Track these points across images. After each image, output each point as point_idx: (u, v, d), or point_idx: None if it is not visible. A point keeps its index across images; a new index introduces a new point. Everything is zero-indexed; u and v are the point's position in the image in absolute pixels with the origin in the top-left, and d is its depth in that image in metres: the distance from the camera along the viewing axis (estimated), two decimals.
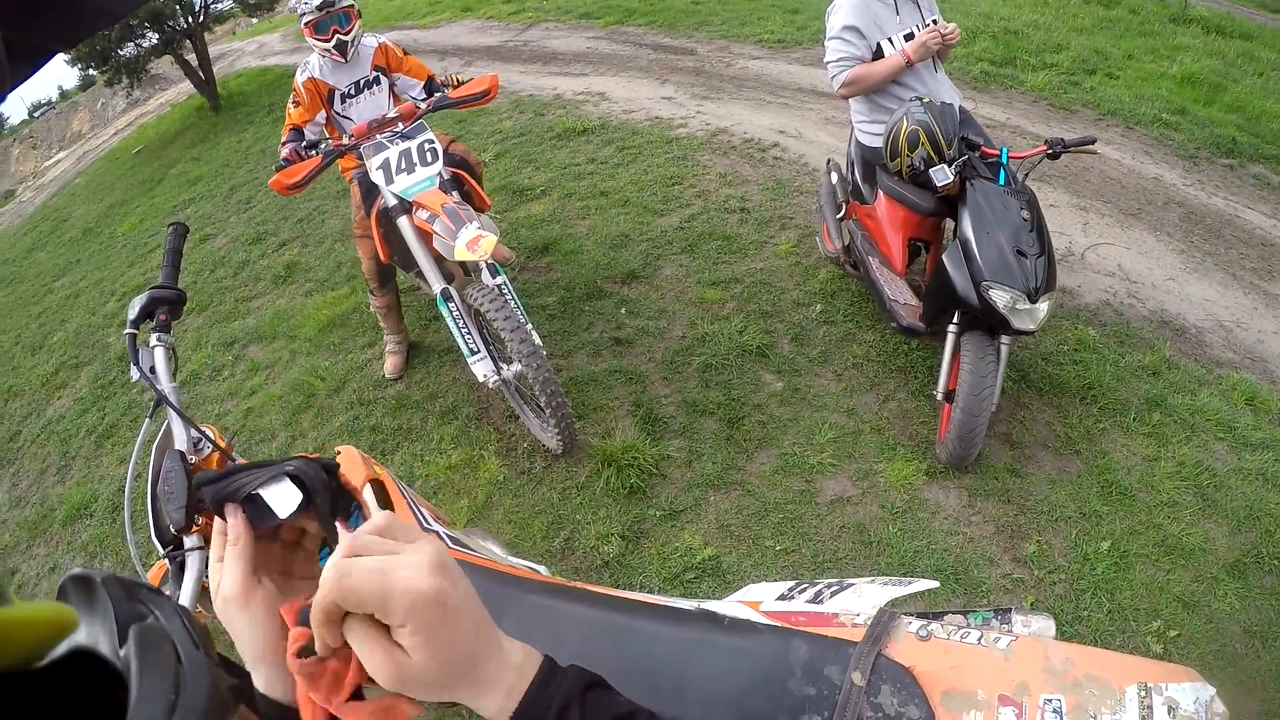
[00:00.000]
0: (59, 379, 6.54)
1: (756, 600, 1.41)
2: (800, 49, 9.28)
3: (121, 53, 15.67)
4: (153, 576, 1.70)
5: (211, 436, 1.61)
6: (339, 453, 1.76)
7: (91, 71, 18.22)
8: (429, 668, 0.63)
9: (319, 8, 4.18)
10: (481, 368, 3.57)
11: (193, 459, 1.55)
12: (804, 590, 1.39)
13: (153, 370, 1.74)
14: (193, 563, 1.43)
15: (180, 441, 1.58)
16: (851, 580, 1.36)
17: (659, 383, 4.14)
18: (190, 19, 15.51)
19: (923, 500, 3.34)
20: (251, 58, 18.82)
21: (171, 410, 1.61)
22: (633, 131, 7.30)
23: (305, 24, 4.25)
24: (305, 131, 4.31)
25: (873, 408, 3.81)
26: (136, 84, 17.27)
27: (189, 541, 1.44)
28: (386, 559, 0.64)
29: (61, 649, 0.45)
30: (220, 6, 17.51)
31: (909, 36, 3.65)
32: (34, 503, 5.15)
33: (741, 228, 5.35)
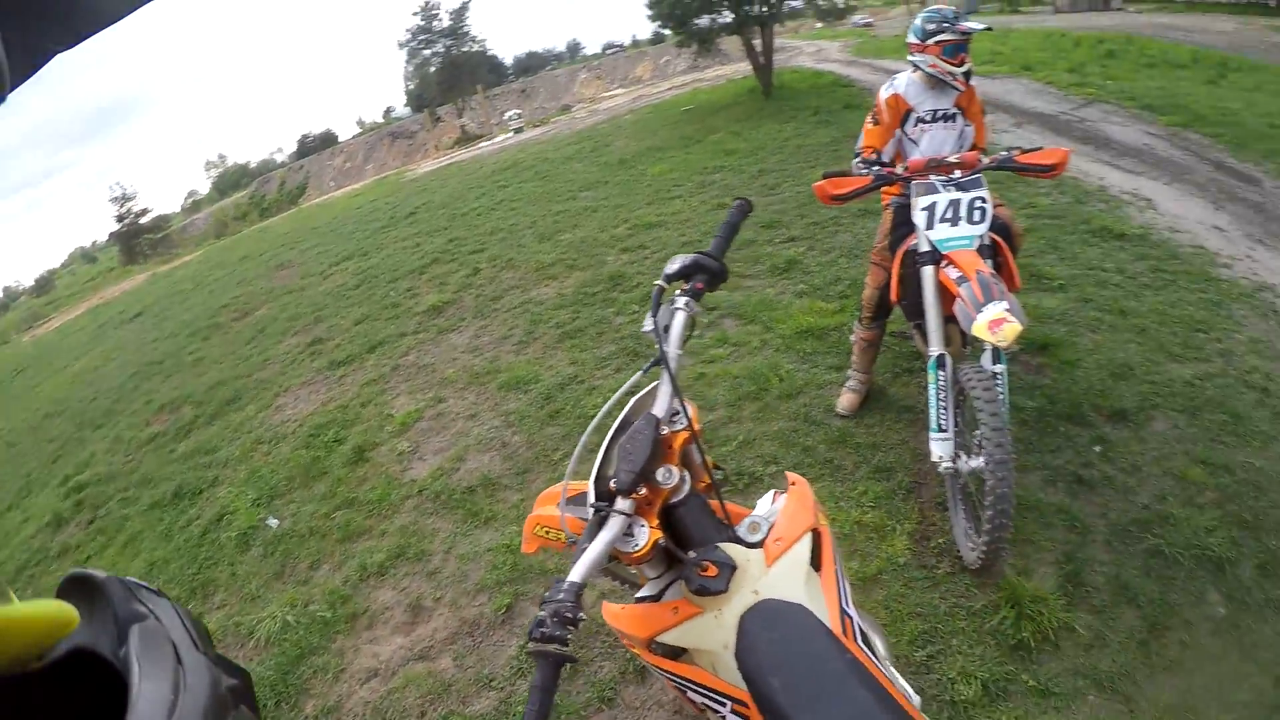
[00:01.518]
0: (553, 270, 7.19)
1: None
2: None
3: (698, 22, 16.95)
4: (570, 489, 1.69)
5: (690, 415, 1.57)
6: (793, 483, 1.66)
7: (666, 30, 19.70)
8: None
9: (962, 32, 3.98)
10: (941, 448, 3.33)
11: (664, 430, 1.51)
12: None
13: (666, 330, 1.68)
14: (613, 525, 1.38)
15: (660, 407, 1.54)
16: None
17: (1100, 545, 3.63)
18: (765, 7, 16.28)
19: None
20: (809, 58, 19.49)
21: (667, 375, 1.57)
22: (1172, 254, 6.47)
23: (934, 41, 4.02)
24: (881, 154, 4.19)
25: None
26: (704, 52, 18.57)
27: (621, 504, 1.39)
28: None
29: (62, 649, 0.46)
30: (795, 4, 18.35)
31: None
32: (487, 357, 5.73)
33: (1257, 410, 4.51)
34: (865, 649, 1.49)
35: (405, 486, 4.64)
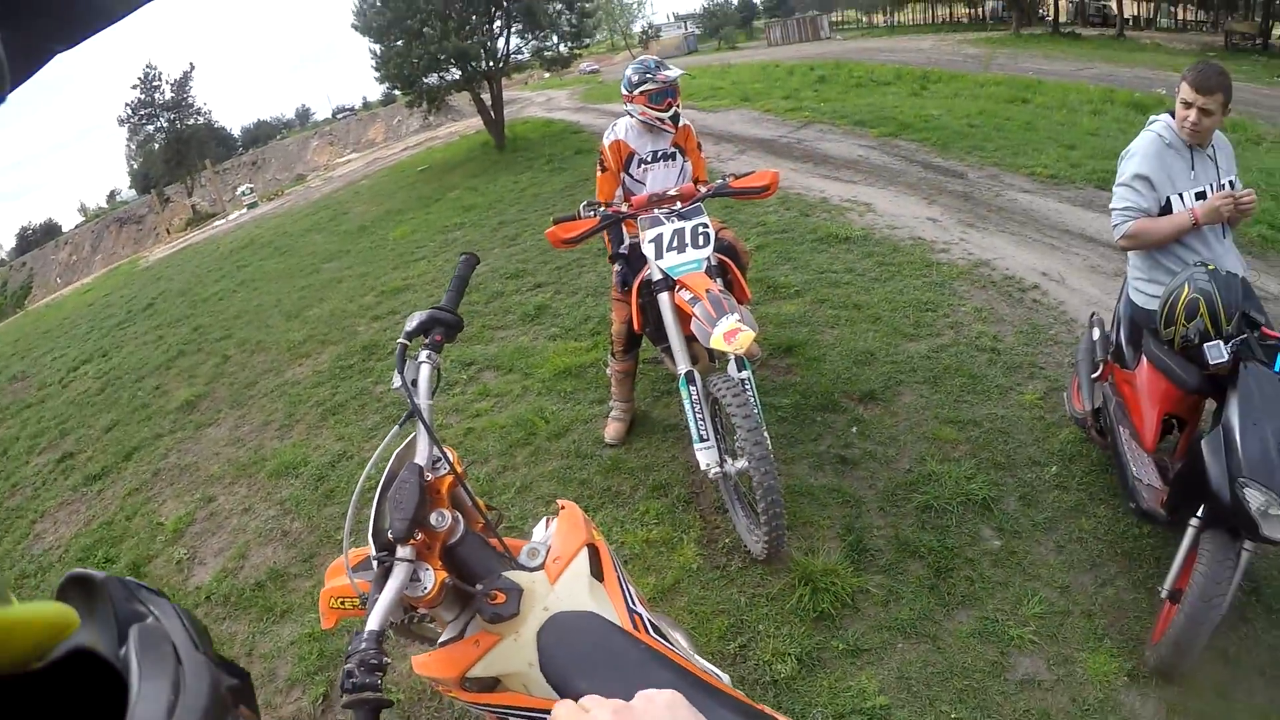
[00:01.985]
0: (305, 349, 7.10)
1: None
2: (1073, 187, 8.90)
3: (426, 81, 17.25)
4: (353, 558, 1.76)
5: (451, 460, 1.65)
6: (562, 506, 1.81)
7: (396, 91, 19.85)
8: None
9: (664, 81, 4.35)
10: (706, 456, 3.57)
11: (429, 476, 1.59)
12: None
13: (414, 384, 1.77)
14: (399, 573, 1.44)
15: (421, 456, 1.61)
16: None
17: (875, 512, 4.02)
18: (492, 63, 16.81)
19: (1118, 703, 3.04)
20: (539, 108, 20.04)
21: (422, 425, 1.65)
22: (894, 248, 7.22)
23: (640, 92, 4.39)
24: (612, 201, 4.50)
25: (1088, 590, 3.53)
26: (433, 110, 18.92)
27: (402, 552, 1.46)
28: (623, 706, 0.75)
29: (61, 649, 0.45)
30: (520, 57, 18.94)
31: (1201, 195, 3.43)
32: (250, 447, 5.58)
33: (989, 369, 5.15)
34: (663, 640, 1.65)
35: (190, 595, 4.41)
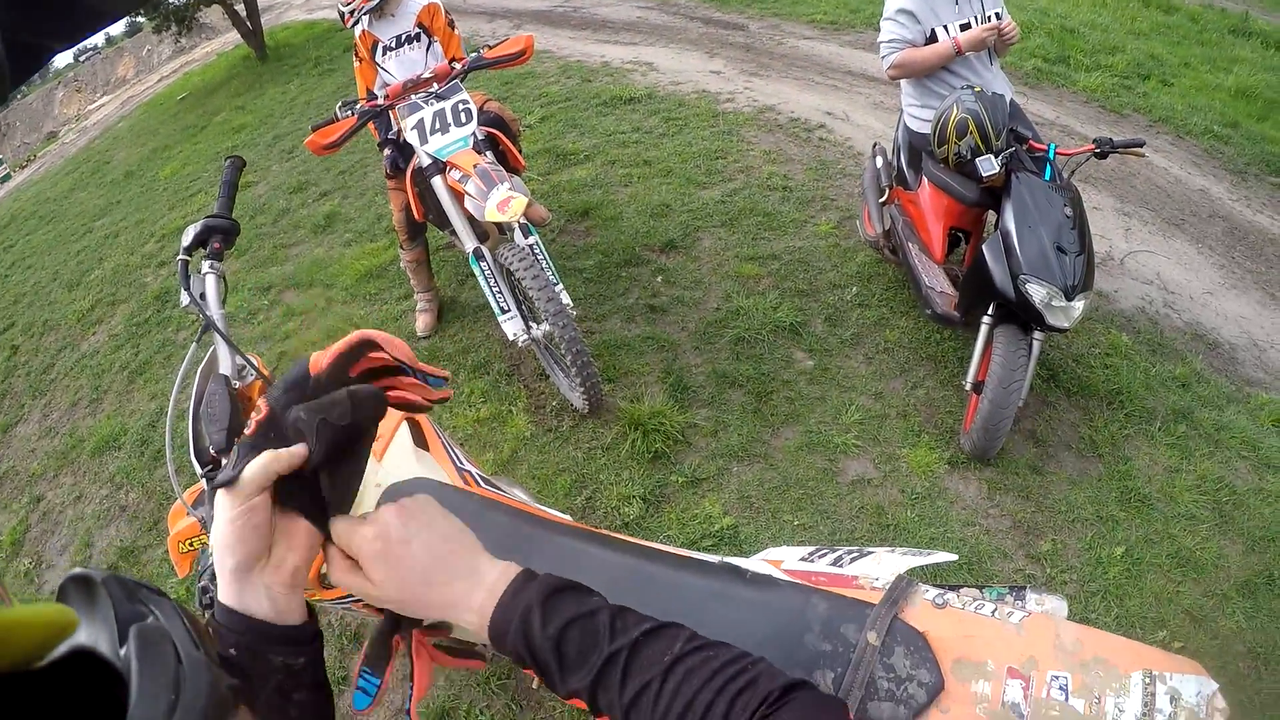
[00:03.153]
0: (95, 315, 6.62)
1: (778, 559, 1.44)
2: (853, 31, 9.21)
3: (172, 1, 15.70)
4: (189, 495, 1.73)
5: (255, 364, 1.65)
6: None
7: (139, 18, 18.15)
8: (383, 587, 0.82)
9: None
10: (511, 326, 3.62)
11: (236, 384, 1.59)
12: (825, 555, 1.42)
13: (203, 297, 1.77)
14: None
15: (225, 367, 1.61)
16: (872, 549, 1.38)
17: (690, 352, 4.17)
18: None
19: (943, 489, 3.36)
20: (299, 10, 18.79)
21: (218, 336, 1.64)
22: (679, 103, 7.30)
23: None
24: (375, 91, 4.42)
25: (900, 393, 3.84)
26: (184, 32, 17.32)
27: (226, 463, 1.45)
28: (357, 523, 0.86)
29: (61, 649, 0.45)
30: None
31: (965, 27, 3.64)
32: (64, 434, 5.23)
33: (783, 206, 5.36)
34: (499, 491, 1.70)
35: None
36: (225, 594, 0.80)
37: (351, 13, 4.36)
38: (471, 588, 0.82)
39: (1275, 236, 5.22)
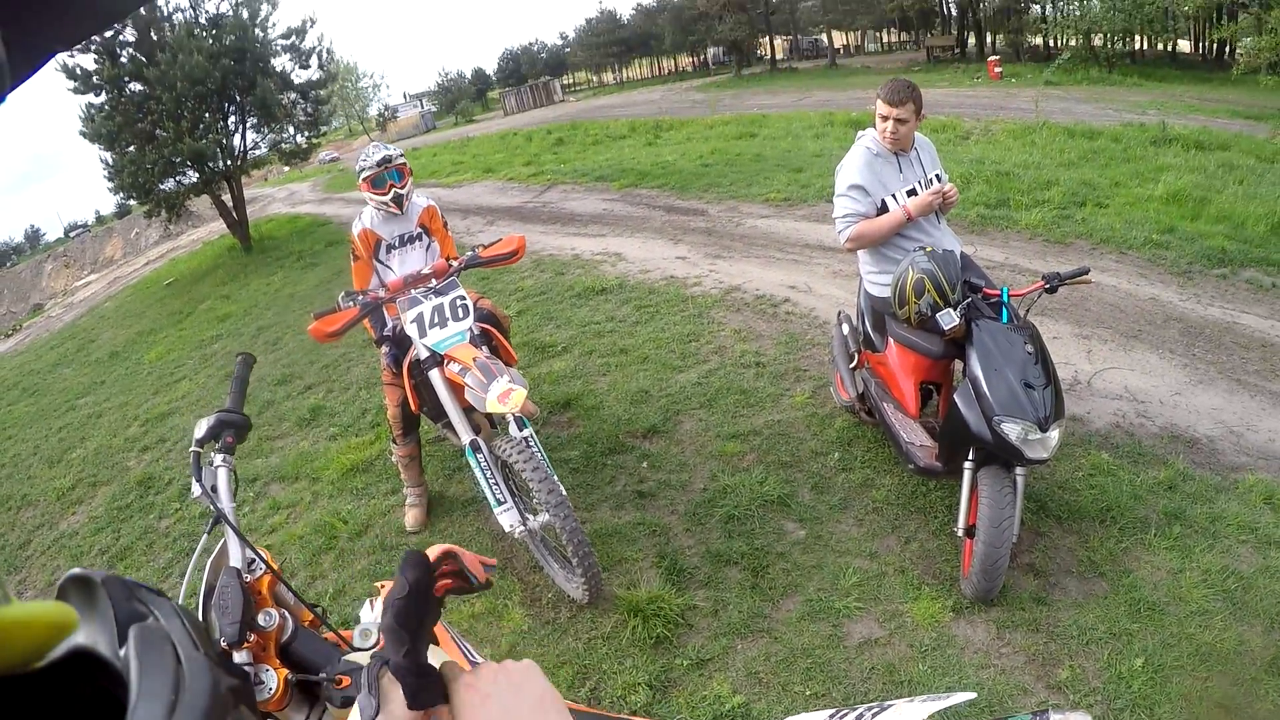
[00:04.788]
0: (75, 495, 6.54)
1: None
2: (805, 206, 9.66)
3: (162, 187, 16.34)
4: None
5: (265, 558, 1.63)
6: (381, 586, 1.78)
7: (131, 202, 18.63)
8: None
9: (378, 164, 4.42)
10: (508, 518, 3.62)
11: (247, 578, 1.56)
12: (845, 716, 1.40)
13: (214, 489, 1.76)
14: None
15: (236, 559, 1.59)
16: (891, 701, 1.36)
17: (682, 534, 4.18)
18: (230, 162, 16.21)
19: (951, 637, 3.32)
20: (283, 204, 19.39)
21: (230, 529, 1.62)
22: (649, 290, 7.58)
23: (363, 179, 4.48)
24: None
25: (895, 549, 3.84)
26: (174, 218, 17.90)
27: (238, 657, 1.42)
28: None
29: (61, 649, 0.45)
30: (258, 152, 18.28)
31: (912, 192, 3.88)
32: None
33: (758, 381, 5.50)
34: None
35: None
36: None
37: (369, 181, 4.46)
38: None
39: (1229, 325, 5.41)
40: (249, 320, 10.38)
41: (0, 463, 8.13)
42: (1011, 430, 3.11)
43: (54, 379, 11.11)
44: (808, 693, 3.18)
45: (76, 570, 0.55)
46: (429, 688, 0.90)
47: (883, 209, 3.87)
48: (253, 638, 1.45)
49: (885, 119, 3.79)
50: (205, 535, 1.69)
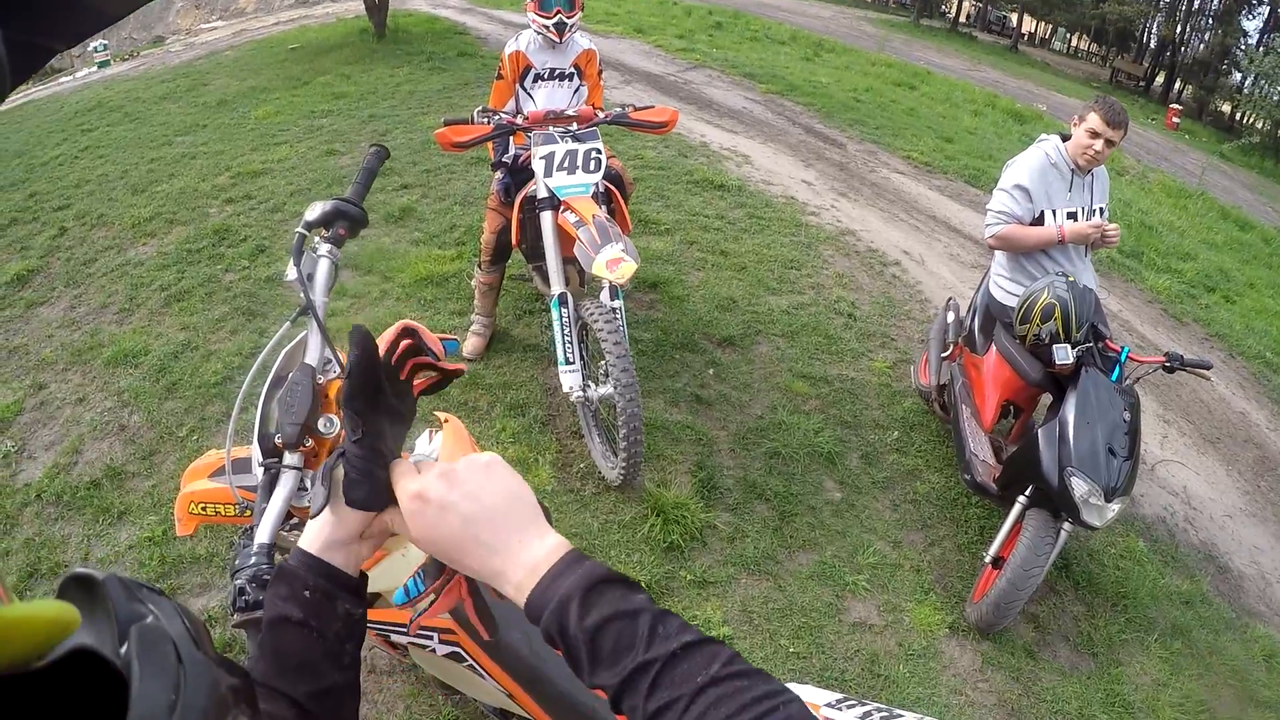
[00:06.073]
0: (150, 227, 6.55)
1: (814, 702, 1.43)
2: (944, 177, 9.33)
3: None
4: (206, 464, 1.74)
5: (342, 361, 1.51)
6: (445, 420, 1.79)
7: None
8: (420, 544, 0.84)
9: None
10: (571, 379, 3.61)
11: (320, 379, 1.49)
12: (852, 706, 1.41)
13: (310, 278, 1.64)
14: (286, 481, 1.38)
15: (313, 357, 1.51)
16: (900, 712, 1.37)
17: (726, 453, 4.20)
18: None
19: (938, 651, 3.36)
20: (425, 3, 18.96)
21: (315, 324, 1.54)
22: (766, 203, 7.43)
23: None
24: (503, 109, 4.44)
25: (919, 547, 3.85)
26: None
27: (290, 458, 1.39)
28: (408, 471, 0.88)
29: (61, 649, 0.44)
30: None
31: (1072, 216, 3.77)
32: (86, 331, 5.14)
33: (845, 332, 5.42)
34: None
35: (20, 493, 4.04)
36: (312, 544, 0.89)
37: (538, 1, 4.36)
38: (511, 565, 0.80)
39: None
40: (363, 105, 10.20)
41: (87, 179, 8.12)
42: (1079, 487, 3.09)
43: (158, 111, 10.96)
44: (791, 649, 3.24)
45: (77, 569, 0.55)
46: (373, 486, 0.88)
47: (1038, 220, 3.77)
48: (310, 442, 1.42)
49: (1096, 136, 3.65)
50: (288, 323, 1.61)
